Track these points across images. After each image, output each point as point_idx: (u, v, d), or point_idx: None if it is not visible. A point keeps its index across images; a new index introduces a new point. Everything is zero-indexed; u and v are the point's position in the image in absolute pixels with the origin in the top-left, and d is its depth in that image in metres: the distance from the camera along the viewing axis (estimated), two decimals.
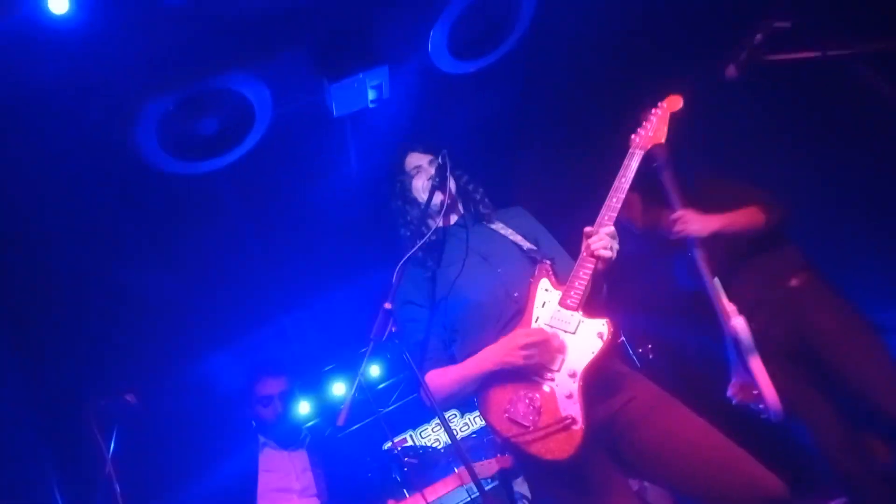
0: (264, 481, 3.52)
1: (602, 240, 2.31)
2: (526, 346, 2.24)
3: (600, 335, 2.26)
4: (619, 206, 2.39)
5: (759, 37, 2.57)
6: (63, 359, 3.87)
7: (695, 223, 2.95)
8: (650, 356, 5.37)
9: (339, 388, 5.90)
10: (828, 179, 3.51)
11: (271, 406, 3.67)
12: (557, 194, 4.03)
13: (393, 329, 2.23)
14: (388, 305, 2.25)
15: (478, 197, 2.78)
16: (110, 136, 3.19)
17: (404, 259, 2.40)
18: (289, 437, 3.74)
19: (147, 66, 2.98)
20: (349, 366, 5.96)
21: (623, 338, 5.41)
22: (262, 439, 3.69)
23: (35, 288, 3.71)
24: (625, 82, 2.76)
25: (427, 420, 6.42)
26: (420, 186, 2.72)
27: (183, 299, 4.32)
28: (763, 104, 3.53)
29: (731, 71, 2.69)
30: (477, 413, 6.46)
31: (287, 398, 3.77)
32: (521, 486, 4.72)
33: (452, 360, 2.53)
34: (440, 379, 2.47)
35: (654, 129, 2.59)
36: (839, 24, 2.72)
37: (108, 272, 3.84)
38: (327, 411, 5.83)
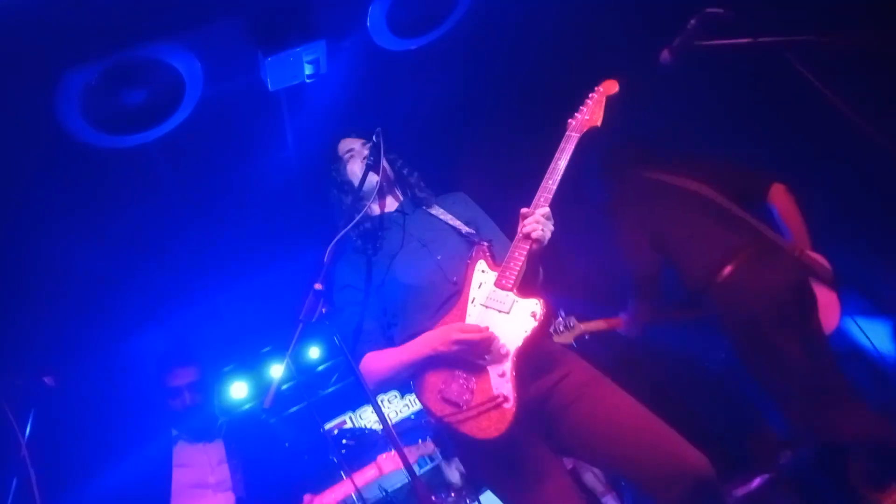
0: (178, 477, 3.37)
1: (537, 221, 2.33)
2: (459, 342, 2.26)
3: (534, 315, 2.28)
4: (555, 187, 2.42)
5: (692, 22, 2.59)
6: None
7: None
8: (586, 336, 5.43)
9: (276, 370, 5.82)
10: (758, 164, 3.59)
11: (180, 398, 3.50)
12: (498, 179, 4.03)
13: (323, 310, 2.20)
14: (318, 286, 2.22)
15: (413, 181, 2.79)
16: (31, 106, 3.03)
17: (335, 239, 2.37)
18: (202, 428, 3.55)
19: (69, 34, 2.83)
20: (286, 348, 5.88)
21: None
22: (174, 432, 3.53)
23: None
24: (566, 66, 2.76)
25: (365, 403, 6.41)
26: (354, 170, 2.72)
27: (107, 277, 4.19)
28: (696, 90, 3.58)
29: (665, 56, 2.70)
30: (412, 396, 6.46)
31: (197, 388, 3.58)
32: (456, 468, 4.78)
33: (391, 342, 2.53)
34: (377, 362, 2.47)
35: (590, 112, 2.61)
36: (772, 13, 2.78)
37: (29, 246, 3.68)
38: (264, 394, 5.74)
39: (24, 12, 2.63)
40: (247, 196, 4.42)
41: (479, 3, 3.65)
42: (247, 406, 5.77)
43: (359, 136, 2.80)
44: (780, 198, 3.42)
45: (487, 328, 2.26)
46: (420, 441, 4.41)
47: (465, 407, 2.22)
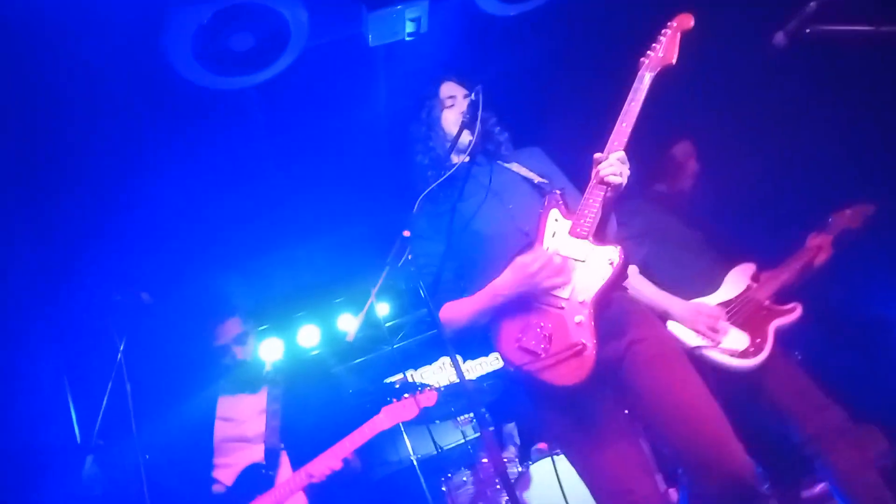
0: (220, 430, 3.41)
1: (612, 165, 2.27)
2: (535, 272, 2.24)
3: (611, 262, 2.24)
4: (630, 129, 2.33)
5: (812, 6, 2.49)
6: (84, 253, 3.95)
7: None
8: None
9: (346, 321, 5.98)
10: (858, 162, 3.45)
11: (229, 352, 3.54)
12: (578, 136, 3.98)
13: (409, 257, 2.24)
14: (406, 233, 2.27)
15: (501, 140, 2.77)
16: (143, 39, 3.18)
17: (426, 191, 2.40)
18: (246, 380, 3.59)
19: None
20: (358, 302, 6.03)
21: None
22: (220, 385, 3.58)
23: (64, 186, 3.75)
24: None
25: (427, 362, 6.53)
26: (451, 119, 2.71)
27: (199, 213, 4.36)
28: (807, 76, 3.45)
29: (780, 38, 2.60)
30: (475, 361, 6.56)
31: (243, 340, 3.61)
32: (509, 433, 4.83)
33: (464, 293, 2.55)
34: (453, 311, 2.50)
35: (664, 49, 2.45)
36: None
37: (131, 176, 3.87)
38: (333, 342, 5.92)
39: None
40: (333, 149, 4.54)
41: None
42: (314, 352, 5.97)
43: (461, 84, 2.78)
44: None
45: (561, 257, 2.25)
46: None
47: (543, 355, 2.21)
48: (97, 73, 3.27)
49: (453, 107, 2.73)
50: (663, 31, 2.50)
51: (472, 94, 2.53)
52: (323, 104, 4.11)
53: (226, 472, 3.33)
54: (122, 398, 2.62)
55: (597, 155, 2.32)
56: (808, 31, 2.53)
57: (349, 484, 3.46)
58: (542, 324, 2.26)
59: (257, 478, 3.28)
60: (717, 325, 3.05)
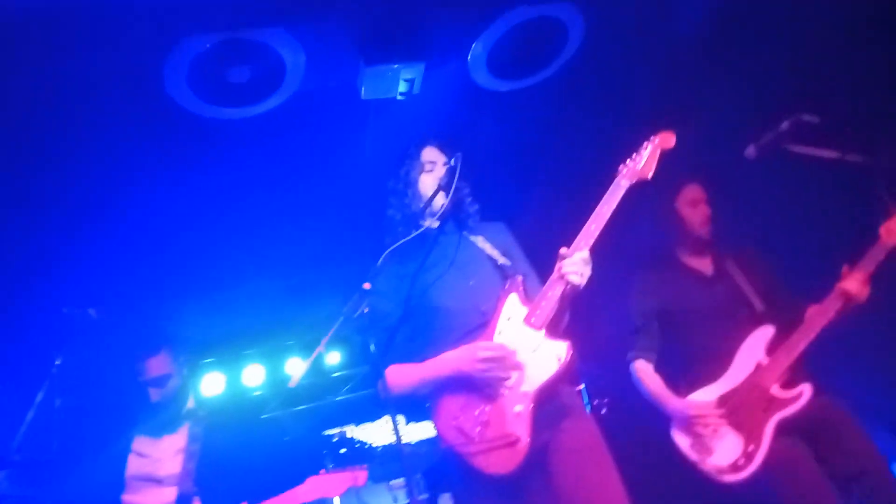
0: (132, 465, 3.25)
1: (574, 264, 2.32)
2: (484, 360, 2.28)
3: (559, 358, 2.28)
4: (597, 232, 2.39)
5: (785, 125, 2.63)
6: (41, 262, 3.86)
7: None
8: (603, 410, 5.38)
9: (293, 365, 5.88)
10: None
11: (154, 385, 3.37)
12: (547, 220, 4.06)
13: (366, 310, 2.24)
14: (367, 286, 2.28)
15: (471, 211, 2.82)
16: (141, 63, 3.19)
17: (393, 247, 2.42)
18: (168, 418, 3.42)
19: (195, 3, 2.99)
20: (309, 347, 5.94)
21: (584, 384, 5.45)
22: (141, 422, 3.40)
23: (43, 193, 3.70)
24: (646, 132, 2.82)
25: (371, 419, 6.40)
26: (428, 183, 2.76)
27: (166, 236, 4.31)
28: (773, 190, 3.60)
29: (751, 151, 2.75)
30: (418, 424, 6.45)
31: (161, 383, 3.41)
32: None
33: (413, 358, 2.55)
34: (398, 374, 2.49)
35: (642, 162, 2.54)
36: (864, 132, 2.80)
37: (108, 191, 3.83)
38: (278, 384, 5.80)
39: None
40: (310, 191, 4.54)
41: (578, 59, 3.75)
42: (257, 393, 5.83)
43: (442, 150, 2.84)
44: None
45: (511, 350, 2.27)
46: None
47: (477, 439, 2.23)
48: (85, 84, 3.26)
49: (432, 171, 2.78)
50: (645, 144, 2.59)
51: (452, 161, 2.59)
52: (305, 146, 4.13)
53: None
54: (50, 415, 2.50)
55: (562, 250, 2.37)
56: (779, 147, 2.67)
57: None
58: (482, 407, 2.29)
59: None
60: (707, 432, 3.04)
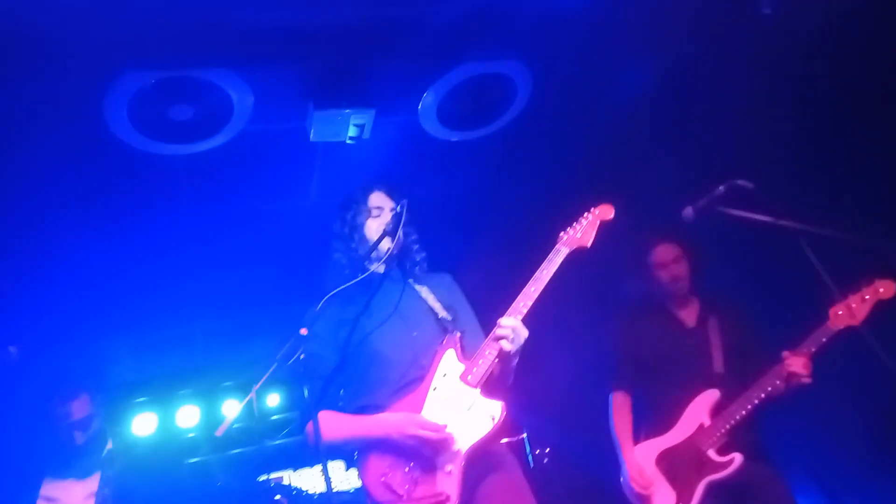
0: None
1: (507, 329, 2.33)
2: (415, 438, 2.25)
3: (493, 418, 2.27)
4: (537, 294, 2.43)
5: (721, 189, 2.70)
6: None
7: None
8: (545, 460, 5.37)
9: (230, 407, 5.71)
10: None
11: (74, 429, 3.25)
12: (490, 272, 4.10)
13: (301, 356, 2.20)
14: (303, 331, 2.23)
15: (417, 259, 2.80)
16: (81, 93, 3.11)
17: (335, 291, 2.39)
18: (78, 465, 3.29)
19: (141, 40, 2.95)
20: (247, 389, 5.79)
21: (525, 433, 5.43)
22: (51, 467, 3.28)
23: None
24: (591, 190, 2.87)
25: (308, 465, 6.25)
26: (374, 228, 2.73)
27: (100, 271, 4.17)
28: (709, 251, 3.70)
29: (688, 212, 2.80)
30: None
31: (90, 420, 3.34)
32: None
33: (345, 406, 2.52)
34: (331, 424, 2.44)
35: (582, 231, 2.63)
36: (797, 199, 2.90)
37: (37, 223, 3.70)
38: (213, 426, 5.61)
39: (105, 9, 2.75)
40: (252, 231, 4.47)
41: (527, 114, 3.82)
42: (191, 435, 5.63)
43: (390, 196, 2.82)
44: None
45: (445, 428, 2.24)
46: None
47: (405, 497, 2.20)
48: (20, 111, 3.15)
49: (378, 217, 2.76)
50: (585, 215, 2.68)
51: (399, 207, 2.58)
52: (250, 185, 4.07)
53: None
54: None
55: (500, 320, 2.38)
56: (715, 210, 2.74)
57: None
58: (412, 464, 2.26)
59: None
60: (646, 485, 3.25)
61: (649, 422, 3.48)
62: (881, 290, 2.94)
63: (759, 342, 3.45)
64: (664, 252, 3.61)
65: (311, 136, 3.56)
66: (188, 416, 5.68)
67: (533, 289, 2.44)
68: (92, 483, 3.25)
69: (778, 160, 3.70)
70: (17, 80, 2.96)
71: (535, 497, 2.37)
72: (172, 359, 5.49)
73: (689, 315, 3.60)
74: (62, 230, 3.82)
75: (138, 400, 5.60)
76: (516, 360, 2.42)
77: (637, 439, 3.47)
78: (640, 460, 3.34)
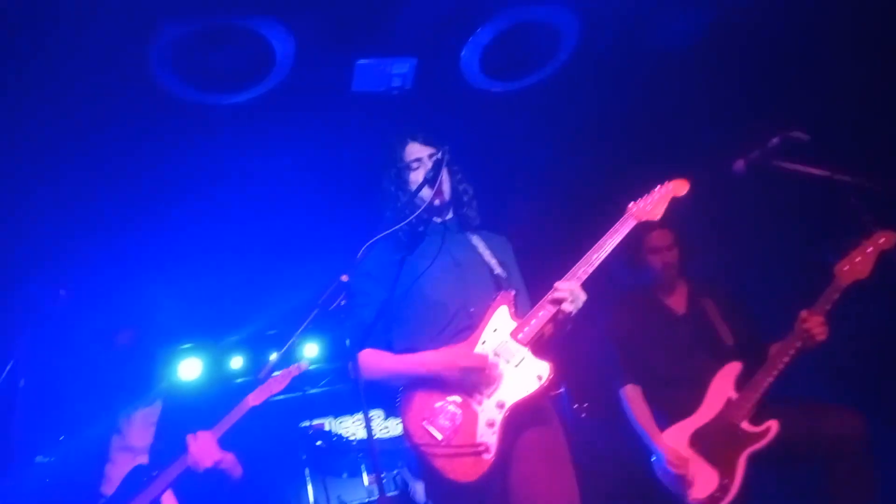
0: (114, 442, 3.31)
1: (567, 291, 2.31)
2: (465, 369, 2.24)
3: (539, 377, 2.26)
4: (597, 263, 2.39)
5: (775, 141, 2.61)
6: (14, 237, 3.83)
7: None
8: (583, 415, 5.38)
9: (272, 355, 5.85)
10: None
11: (127, 360, 3.41)
12: (544, 239, 4.06)
13: (342, 303, 2.20)
14: (344, 278, 2.21)
15: (466, 199, 2.75)
16: (127, 43, 3.13)
17: (374, 239, 2.36)
18: (142, 391, 3.45)
19: None
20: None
21: (563, 389, 5.43)
22: (121, 401, 3.44)
23: (20, 173, 3.67)
24: (641, 148, 2.79)
25: (349, 413, 6.40)
26: (417, 179, 2.66)
27: (154, 220, 4.28)
28: (758, 204, 3.60)
29: (740, 165, 2.72)
30: (396, 420, 6.45)
31: (139, 349, 3.48)
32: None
33: (389, 346, 2.52)
34: (374, 361, 2.45)
35: (652, 204, 2.57)
36: (853, 153, 2.79)
37: (84, 168, 3.78)
38: (256, 373, 5.75)
39: None
40: (294, 179, 4.50)
41: (573, 66, 3.73)
42: (239, 380, 5.81)
43: (426, 144, 2.74)
44: None
45: (492, 365, 2.24)
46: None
47: (444, 442, 2.21)
48: (70, 63, 3.19)
49: (419, 169, 2.70)
50: (658, 188, 2.61)
51: (440, 153, 2.54)
52: (291, 135, 4.06)
53: (110, 484, 3.20)
54: (12, 393, 2.45)
55: (558, 283, 2.35)
56: (769, 163, 2.65)
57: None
58: (455, 411, 2.26)
59: (141, 479, 3.13)
60: (684, 469, 3.15)
61: (668, 410, 3.41)
62: (881, 240, 2.84)
63: (753, 314, 3.49)
64: (660, 238, 3.58)
65: (353, 85, 3.54)
66: (234, 363, 5.88)
67: (595, 256, 2.40)
68: (153, 412, 3.41)
69: (833, 115, 3.54)
70: (64, 34, 2.99)
71: (571, 453, 2.37)
72: (219, 307, 5.60)
73: (678, 300, 3.61)
74: (111, 179, 3.90)
75: (184, 346, 5.77)
76: (570, 325, 2.40)
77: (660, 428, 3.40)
78: (673, 444, 3.27)
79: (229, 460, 3.14)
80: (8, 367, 2.54)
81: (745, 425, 3.15)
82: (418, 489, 4.77)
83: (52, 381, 3.52)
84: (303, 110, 3.86)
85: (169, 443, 3.24)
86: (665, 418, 3.38)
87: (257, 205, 4.57)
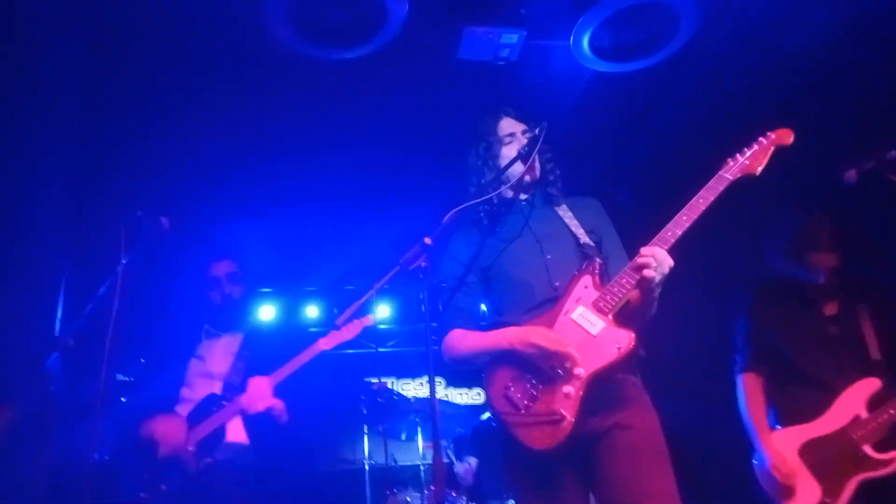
0: (192, 366, 3.48)
1: (647, 258, 2.21)
2: (535, 346, 2.23)
3: (618, 347, 2.20)
4: (688, 224, 2.25)
5: (893, 154, 2.46)
6: (125, 166, 4.08)
7: None
8: None
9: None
10: None
11: (218, 288, 3.57)
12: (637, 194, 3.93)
13: (423, 264, 2.23)
14: (427, 240, 2.25)
15: (552, 178, 2.71)
16: None
17: (461, 207, 2.37)
18: (228, 320, 3.62)
19: None
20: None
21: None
22: (204, 328, 3.62)
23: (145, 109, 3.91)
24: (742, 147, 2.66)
25: (411, 376, 6.52)
26: (509, 155, 2.63)
27: (244, 162, 4.42)
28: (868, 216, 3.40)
29: (851, 175, 2.58)
30: (457, 390, 6.54)
31: (235, 280, 3.62)
32: (466, 470, 4.78)
33: (479, 324, 2.55)
34: (461, 339, 2.50)
35: (752, 157, 2.33)
36: None
37: (193, 111, 3.96)
38: (330, 324, 5.92)
39: None
40: (392, 142, 4.56)
41: (687, 50, 3.61)
42: (313, 329, 5.99)
43: (520, 120, 2.71)
44: None
45: (568, 346, 2.22)
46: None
47: (523, 411, 2.22)
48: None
49: (511, 144, 2.67)
50: (759, 140, 2.40)
51: (536, 130, 2.49)
52: (395, 96, 4.12)
53: (187, 405, 3.38)
54: (109, 311, 2.61)
55: (643, 248, 2.25)
56: (881, 175, 2.50)
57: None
58: (534, 382, 2.25)
59: (211, 407, 3.31)
60: (790, 475, 3.00)
61: (787, 408, 3.22)
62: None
63: None
64: (826, 259, 3.28)
65: (460, 52, 3.54)
66: (309, 311, 6.12)
67: (685, 217, 2.26)
68: (235, 342, 3.58)
69: None
70: None
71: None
72: (302, 256, 5.79)
73: (830, 302, 3.32)
74: (218, 122, 4.08)
75: (264, 290, 6.00)
76: (658, 291, 2.29)
77: (771, 426, 3.23)
78: (782, 448, 3.08)
79: (280, 407, 3.29)
80: (106, 285, 2.70)
81: (868, 448, 2.95)
82: (470, 463, 4.84)
83: (146, 304, 3.74)
84: (407, 72, 3.90)
85: (243, 375, 3.39)
86: (782, 417, 3.20)
87: (351, 162, 4.67)
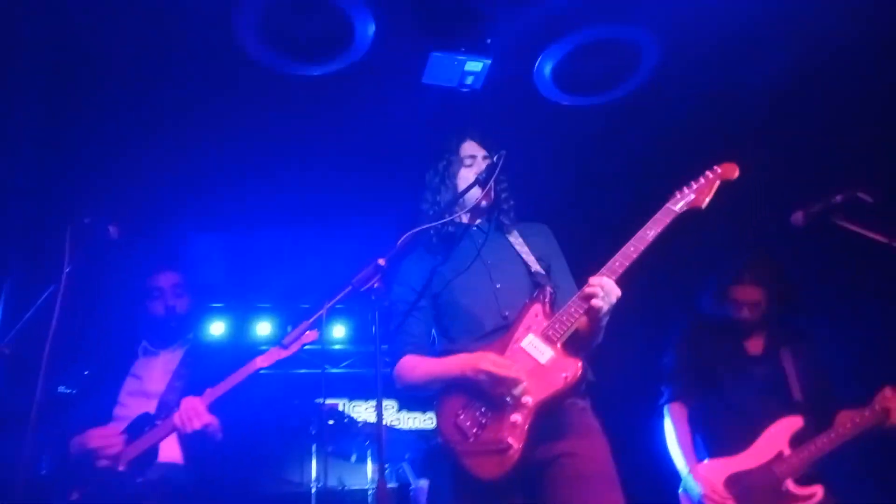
0: (127, 385, 3.30)
1: (596, 287, 2.23)
2: (485, 372, 2.23)
3: (565, 376, 2.21)
4: (636, 256, 2.29)
5: (839, 198, 2.53)
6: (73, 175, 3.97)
7: None
8: None
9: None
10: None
11: (161, 300, 3.39)
12: (587, 224, 3.99)
13: (376, 285, 2.22)
14: (381, 261, 2.25)
15: (505, 207, 2.74)
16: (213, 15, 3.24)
17: (416, 230, 2.39)
18: (170, 334, 3.44)
19: None
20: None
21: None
22: (142, 345, 3.45)
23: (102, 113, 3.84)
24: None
25: (364, 398, 6.44)
26: (467, 177, 2.67)
27: (202, 173, 4.38)
28: (812, 260, 3.50)
29: (798, 217, 2.64)
30: (410, 414, 6.49)
31: (179, 292, 3.45)
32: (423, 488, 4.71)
33: (430, 351, 2.55)
34: (413, 367, 2.49)
35: (698, 190, 2.40)
36: None
37: (153, 120, 3.91)
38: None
39: None
40: (348, 161, 4.55)
41: (640, 94, 3.71)
42: (263, 347, 5.87)
43: (482, 146, 2.75)
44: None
45: (517, 371, 2.22)
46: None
47: (472, 439, 2.22)
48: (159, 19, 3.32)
49: (471, 166, 2.71)
50: (705, 174, 2.47)
51: (495, 157, 2.52)
52: (356, 116, 4.13)
53: (120, 424, 3.20)
54: (48, 320, 2.52)
55: (592, 278, 2.28)
56: (828, 220, 2.57)
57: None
58: (483, 409, 2.25)
59: (143, 426, 3.14)
60: (724, 502, 3.06)
61: (712, 440, 3.31)
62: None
63: (831, 377, 3.31)
64: (746, 293, 3.36)
65: (424, 76, 3.56)
66: (260, 329, 5.99)
67: (632, 249, 2.30)
68: (174, 359, 3.41)
69: None
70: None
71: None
72: (256, 273, 5.71)
73: (755, 342, 3.43)
74: (176, 131, 4.01)
75: (215, 305, 5.89)
76: (605, 321, 2.32)
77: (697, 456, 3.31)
78: (708, 488, 3.13)
79: (215, 424, 3.11)
80: (47, 293, 2.61)
81: (790, 484, 3.03)
82: (422, 485, 4.78)
83: (88, 313, 3.60)
84: (369, 93, 3.91)
85: (179, 394, 3.23)
86: (705, 448, 3.29)
87: (311, 178, 4.65)
